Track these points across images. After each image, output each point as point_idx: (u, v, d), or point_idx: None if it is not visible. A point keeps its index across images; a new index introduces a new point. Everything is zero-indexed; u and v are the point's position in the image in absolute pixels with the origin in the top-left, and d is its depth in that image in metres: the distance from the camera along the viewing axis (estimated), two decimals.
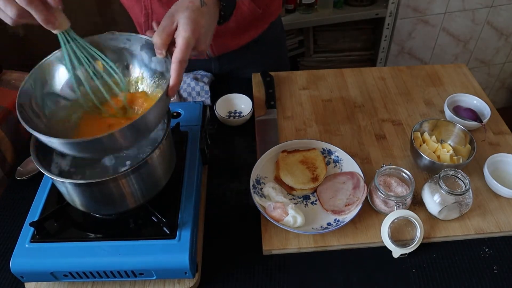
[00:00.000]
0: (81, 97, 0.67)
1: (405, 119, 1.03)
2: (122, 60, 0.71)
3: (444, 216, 0.80)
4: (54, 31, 0.61)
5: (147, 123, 0.59)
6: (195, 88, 1.08)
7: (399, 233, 0.78)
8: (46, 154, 0.70)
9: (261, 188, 0.85)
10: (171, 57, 0.63)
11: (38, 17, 0.57)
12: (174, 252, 0.67)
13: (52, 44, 0.67)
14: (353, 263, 0.76)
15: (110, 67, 0.65)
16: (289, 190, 0.85)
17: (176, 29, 0.65)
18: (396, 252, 0.76)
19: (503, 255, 0.77)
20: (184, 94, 1.08)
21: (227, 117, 1.04)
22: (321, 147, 0.93)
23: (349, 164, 0.89)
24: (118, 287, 0.72)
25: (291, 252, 0.77)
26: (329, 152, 0.92)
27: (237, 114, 1.06)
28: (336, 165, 0.90)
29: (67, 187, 0.64)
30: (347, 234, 0.78)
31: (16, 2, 0.54)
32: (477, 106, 1.01)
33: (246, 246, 0.78)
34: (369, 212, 0.82)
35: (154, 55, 0.67)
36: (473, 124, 0.96)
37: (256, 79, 1.15)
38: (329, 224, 0.79)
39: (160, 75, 0.71)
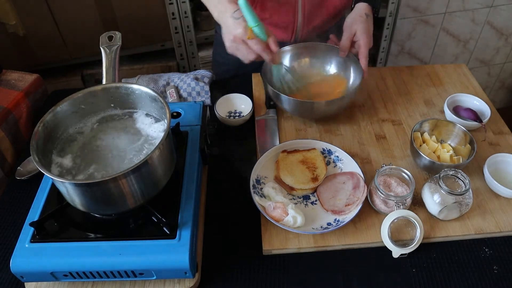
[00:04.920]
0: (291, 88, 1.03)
1: (405, 119, 1.03)
2: None
3: (444, 216, 0.80)
4: (273, 65, 0.95)
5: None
6: (195, 88, 1.08)
7: (399, 233, 0.78)
8: (46, 154, 0.70)
9: (261, 188, 0.85)
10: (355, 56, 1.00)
11: (267, 59, 0.86)
12: (174, 252, 0.67)
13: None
14: (353, 263, 0.76)
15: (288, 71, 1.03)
16: (289, 190, 0.85)
17: (354, 36, 0.97)
18: (396, 252, 0.76)
19: (503, 255, 0.77)
20: (184, 94, 1.08)
21: (227, 117, 1.04)
22: (321, 147, 0.93)
23: (349, 164, 0.89)
24: (118, 287, 0.72)
25: (291, 252, 0.77)
26: (329, 152, 0.92)
27: (237, 114, 1.06)
28: (336, 165, 0.90)
29: (67, 187, 0.64)
30: (347, 234, 0.78)
31: (254, 51, 0.84)
32: (477, 106, 1.01)
33: (246, 246, 0.78)
34: (369, 212, 0.82)
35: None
36: (473, 124, 0.96)
37: (256, 79, 1.15)
38: (329, 224, 0.79)
39: None
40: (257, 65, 1.07)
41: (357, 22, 0.98)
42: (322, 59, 1.08)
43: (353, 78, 1.03)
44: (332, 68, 1.08)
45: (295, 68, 1.07)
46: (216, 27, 1.25)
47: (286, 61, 1.07)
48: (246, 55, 0.85)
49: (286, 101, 0.95)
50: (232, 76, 1.23)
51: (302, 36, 1.11)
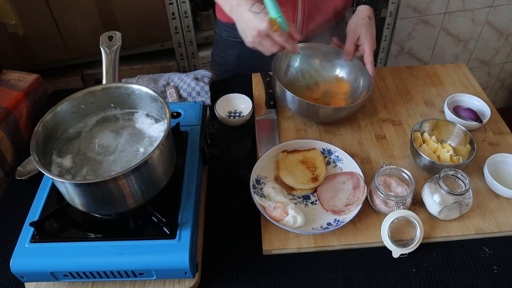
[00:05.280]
0: (302, 82, 1.05)
1: (405, 119, 1.03)
2: None
3: (444, 216, 0.80)
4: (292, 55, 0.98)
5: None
6: (195, 88, 1.08)
7: (399, 233, 0.78)
8: (46, 154, 0.70)
9: (261, 188, 0.85)
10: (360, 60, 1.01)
11: (290, 48, 0.85)
12: (174, 252, 0.67)
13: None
14: (353, 263, 0.76)
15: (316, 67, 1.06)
16: (289, 190, 0.85)
17: (358, 39, 0.98)
18: (396, 252, 0.76)
19: (503, 255, 0.77)
20: (184, 94, 1.08)
21: (227, 117, 1.04)
22: (321, 147, 0.93)
23: (349, 164, 0.89)
24: (118, 287, 0.72)
25: (291, 252, 0.77)
26: (329, 152, 0.92)
27: (237, 114, 1.06)
28: (336, 165, 0.90)
29: (67, 187, 0.64)
30: (347, 234, 0.78)
31: (278, 43, 0.83)
32: (477, 106, 1.01)
33: (246, 246, 0.78)
34: (369, 212, 0.82)
35: None
36: (473, 124, 0.96)
37: (256, 79, 1.15)
38: (329, 224, 0.79)
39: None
40: (256, 65, 1.07)
41: (360, 25, 0.98)
42: (329, 61, 1.07)
43: (358, 83, 1.03)
44: (338, 71, 1.08)
45: (305, 68, 1.06)
46: (216, 27, 1.24)
47: (296, 61, 1.07)
48: (269, 48, 0.84)
49: (291, 101, 0.95)
50: (231, 76, 1.23)
51: (302, 36, 1.11)
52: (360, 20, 0.98)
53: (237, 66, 1.23)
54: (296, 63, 1.04)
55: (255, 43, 0.84)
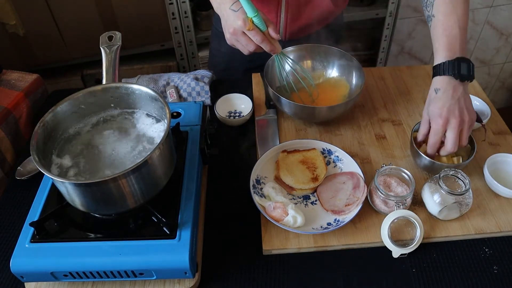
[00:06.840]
0: (287, 85, 1.01)
1: (405, 119, 1.03)
2: None
3: (444, 216, 0.80)
4: (274, 55, 0.90)
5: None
6: (195, 88, 1.08)
7: (399, 233, 0.78)
8: (46, 154, 0.70)
9: (261, 188, 0.85)
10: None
11: (267, 49, 0.85)
12: (174, 252, 0.67)
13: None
14: (353, 263, 0.76)
15: (302, 69, 1.03)
16: (289, 190, 0.85)
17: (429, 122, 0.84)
18: (396, 252, 0.76)
19: (503, 255, 0.77)
20: (184, 94, 1.08)
21: (227, 117, 1.04)
22: (321, 147, 0.93)
23: (349, 164, 0.89)
24: (118, 287, 0.72)
25: (291, 252, 0.77)
26: (329, 152, 0.92)
27: (237, 114, 1.06)
28: (336, 165, 0.90)
29: (67, 187, 0.64)
30: (347, 234, 0.78)
31: (254, 42, 0.84)
32: (477, 106, 1.01)
33: (246, 246, 0.78)
34: (369, 212, 0.82)
35: None
36: None
37: (256, 79, 1.15)
38: (329, 224, 0.79)
39: None
40: (248, 58, 1.06)
41: (426, 106, 0.85)
42: (324, 62, 1.07)
43: (355, 82, 1.03)
44: (333, 72, 1.08)
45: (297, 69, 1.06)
46: (214, 20, 1.27)
47: (286, 63, 1.05)
48: (246, 47, 0.86)
49: (286, 104, 0.95)
50: (224, 68, 1.24)
51: (286, 36, 1.11)
52: (427, 100, 0.85)
53: (230, 59, 1.24)
54: (287, 66, 1.01)
55: (232, 40, 0.86)
